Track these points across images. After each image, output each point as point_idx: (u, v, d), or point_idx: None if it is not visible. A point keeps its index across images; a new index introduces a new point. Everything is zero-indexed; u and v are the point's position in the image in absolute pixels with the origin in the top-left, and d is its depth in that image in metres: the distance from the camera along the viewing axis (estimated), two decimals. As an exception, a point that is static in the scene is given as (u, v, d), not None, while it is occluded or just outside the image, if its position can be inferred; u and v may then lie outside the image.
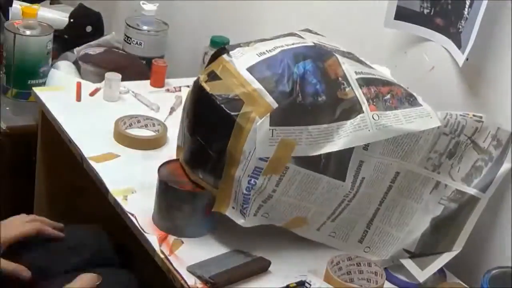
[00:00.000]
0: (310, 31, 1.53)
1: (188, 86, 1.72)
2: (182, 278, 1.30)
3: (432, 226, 1.42)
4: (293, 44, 1.38)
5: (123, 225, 1.45)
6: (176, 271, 1.31)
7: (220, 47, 1.44)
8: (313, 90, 1.31)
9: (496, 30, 1.42)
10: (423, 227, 1.42)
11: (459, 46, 1.48)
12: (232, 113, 1.29)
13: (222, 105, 1.30)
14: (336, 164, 1.34)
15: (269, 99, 1.29)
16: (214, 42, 2.01)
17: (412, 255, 1.43)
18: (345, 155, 1.33)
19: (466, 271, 1.48)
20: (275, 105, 1.29)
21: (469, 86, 1.51)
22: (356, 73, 1.38)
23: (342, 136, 1.31)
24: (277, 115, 1.28)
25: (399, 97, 1.39)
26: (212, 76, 1.36)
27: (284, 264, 1.38)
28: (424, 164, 1.40)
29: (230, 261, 1.34)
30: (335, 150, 1.31)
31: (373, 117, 1.33)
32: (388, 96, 1.38)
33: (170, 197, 1.39)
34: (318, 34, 1.52)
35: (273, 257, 1.38)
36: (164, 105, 1.87)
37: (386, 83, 1.40)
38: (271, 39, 1.44)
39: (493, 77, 1.45)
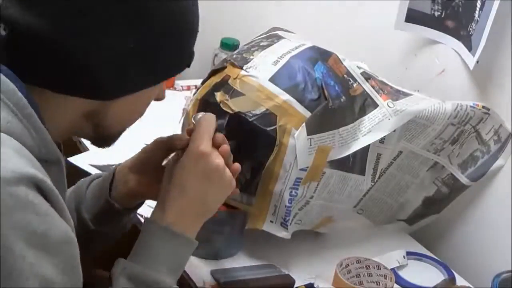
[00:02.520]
0: (280, 29, 1.51)
1: (195, 86, 1.71)
2: (189, 278, 1.30)
3: (424, 204, 1.52)
4: (296, 48, 1.36)
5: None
6: (184, 271, 1.31)
7: (223, 60, 1.38)
8: (335, 93, 1.31)
9: (507, 32, 1.42)
10: (416, 202, 1.52)
11: (469, 48, 1.47)
12: (268, 129, 1.26)
13: (255, 122, 1.26)
14: (359, 160, 1.36)
15: (301, 108, 1.27)
16: (224, 44, 2.02)
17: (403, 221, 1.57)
18: (365, 150, 1.35)
19: (475, 274, 1.48)
20: (308, 114, 1.27)
21: (479, 89, 1.51)
22: (358, 67, 1.38)
23: (365, 132, 1.33)
24: (312, 123, 1.27)
25: (394, 91, 1.41)
26: (232, 93, 1.29)
27: (292, 267, 1.38)
28: (427, 147, 1.43)
29: (255, 273, 1.34)
30: (362, 146, 1.32)
31: (388, 105, 1.34)
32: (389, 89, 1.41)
33: (210, 223, 1.24)
34: (289, 32, 1.50)
35: (281, 261, 1.38)
36: (175, 106, 1.87)
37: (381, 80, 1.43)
38: (259, 43, 1.41)
39: (504, 80, 1.45)
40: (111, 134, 1.02)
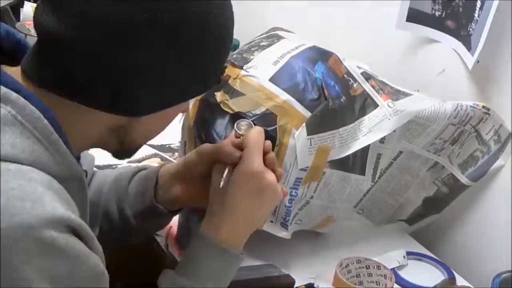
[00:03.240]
0: (280, 29, 1.51)
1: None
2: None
3: (424, 204, 1.52)
4: (296, 48, 1.36)
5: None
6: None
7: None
8: (335, 93, 1.31)
9: (506, 32, 1.42)
10: (416, 202, 1.52)
11: (469, 48, 1.47)
12: (268, 129, 1.25)
13: (255, 122, 1.24)
14: (360, 160, 1.36)
15: (301, 108, 1.27)
16: (224, 44, 2.01)
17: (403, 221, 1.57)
18: (365, 150, 1.35)
19: (475, 274, 1.48)
20: (308, 114, 1.27)
21: (479, 89, 1.51)
22: (359, 67, 1.38)
23: (365, 132, 1.33)
24: (312, 123, 1.27)
25: (394, 91, 1.41)
26: (232, 93, 1.29)
27: (292, 267, 1.38)
28: (427, 147, 1.43)
29: (255, 273, 1.33)
30: (362, 146, 1.32)
31: (388, 105, 1.34)
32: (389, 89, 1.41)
33: None
34: (289, 32, 1.51)
35: (281, 261, 1.38)
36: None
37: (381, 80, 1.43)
38: (259, 43, 1.41)
39: (504, 80, 1.45)
40: (134, 147, 1.01)
